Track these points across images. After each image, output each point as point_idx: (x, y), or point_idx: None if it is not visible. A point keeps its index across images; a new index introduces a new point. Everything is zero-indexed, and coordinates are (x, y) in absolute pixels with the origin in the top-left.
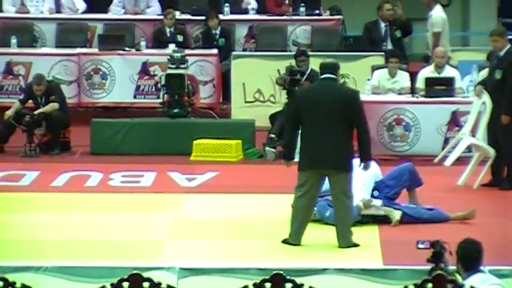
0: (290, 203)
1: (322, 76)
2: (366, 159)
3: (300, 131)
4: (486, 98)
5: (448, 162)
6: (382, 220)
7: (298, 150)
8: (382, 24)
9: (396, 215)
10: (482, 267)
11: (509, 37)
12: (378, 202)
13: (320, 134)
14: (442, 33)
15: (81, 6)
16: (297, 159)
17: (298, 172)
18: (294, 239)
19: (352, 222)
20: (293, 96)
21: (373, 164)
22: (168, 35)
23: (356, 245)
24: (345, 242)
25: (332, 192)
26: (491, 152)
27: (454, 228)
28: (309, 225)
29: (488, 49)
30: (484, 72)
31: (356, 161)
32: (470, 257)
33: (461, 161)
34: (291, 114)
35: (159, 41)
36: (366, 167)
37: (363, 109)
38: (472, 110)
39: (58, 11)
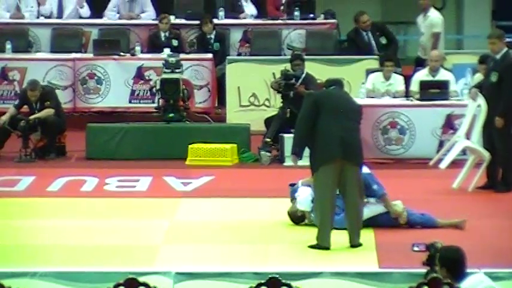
0: (286, 209)
1: (331, 88)
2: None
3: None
4: (481, 101)
5: (443, 165)
6: (379, 221)
7: (306, 153)
8: (364, 33)
9: (398, 208)
10: (475, 270)
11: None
12: (378, 207)
13: (340, 126)
14: (441, 33)
15: (85, 13)
16: (302, 162)
17: (316, 172)
18: (327, 242)
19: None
20: (310, 97)
21: (365, 169)
22: (163, 39)
23: (360, 244)
24: (358, 240)
25: (347, 188)
26: (486, 155)
27: (449, 232)
28: (303, 229)
29: (482, 52)
30: (478, 76)
31: None
32: (455, 264)
33: (456, 164)
34: (306, 111)
35: (154, 45)
36: None
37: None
38: (467, 113)
39: (59, 16)
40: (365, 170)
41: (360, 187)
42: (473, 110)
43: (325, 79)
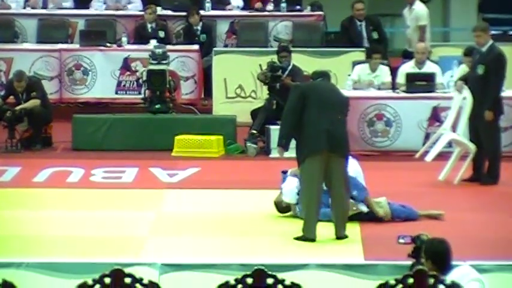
0: (272, 199)
1: (318, 80)
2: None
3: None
4: (467, 93)
5: (429, 157)
6: (363, 217)
7: (293, 145)
8: (358, 23)
9: (380, 211)
10: (461, 262)
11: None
12: (362, 207)
13: (327, 119)
14: (427, 26)
15: (67, 3)
16: (289, 154)
17: (302, 164)
18: (313, 233)
19: None
20: (297, 88)
21: (355, 162)
22: (150, 30)
23: (346, 236)
24: (343, 232)
25: (333, 181)
26: (472, 147)
27: (434, 224)
28: (289, 221)
29: (469, 45)
30: (463, 68)
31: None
32: (440, 256)
33: (442, 156)
34: (292, 103)
35: (140, 36)
36: None
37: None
38: (452, 106)
39: (44, 7)
40: (351, 170)
41: (346, 179)
42: (459, 102)
43: (312, 71)
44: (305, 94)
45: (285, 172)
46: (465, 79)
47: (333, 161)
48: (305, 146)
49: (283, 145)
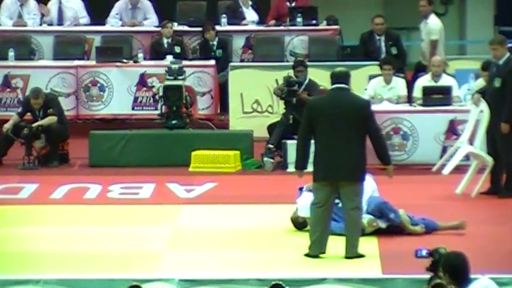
0: (289, 215)
1: (333, 86)
2: (387, 163)
3: (312, 141)
4: (484, 106)
5: (446, 170)
6: (382, 232)
7: (311, 159)
8: (377, 37)
9: (417, 228)
10: (479, 276)
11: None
12: (381, 223)
13: (334, 144)
14: (438, 41)
15: (84, 19)
16: (310, 168)
17: (313, 183)
18: (314, 251)
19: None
20: (306, 106)
21: (371, 179)
22: (166, 46)
23: (362, 256)
24: (353, 252)
25: (343, 203)
26: (489, 160)
27: (452, 238)
28: (306, 236)
29: (485, 57)
30: (481, 81)
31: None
32: (458, 269)
33: (459, 169)
34: (303, 124)
35: (156, 52)
36: (389, 171)
37: (375, 117)
38: (470, 119)
39: (60, 23)
40: (369, 186)
41: (358, 200)
42: (476, 115)
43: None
44: (313, 111)
45: (301, 189)
46: (482, 92)
47: (342, 185)
48: (315, 168)
49: (300, 168)
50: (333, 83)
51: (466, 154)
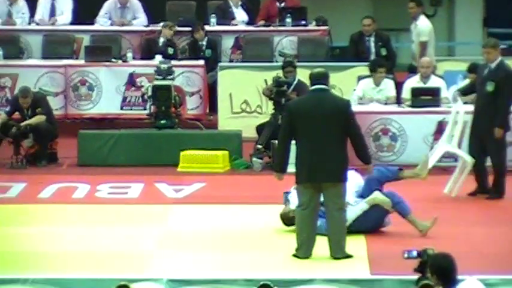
0: (279, 213)
1: (313, 87)
2: (367, 163)
3: (293, 143)
4: (459, 106)
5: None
6: (369, 231)
7: (293, 161)
8: (367, 38)
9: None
10: (467, 277)
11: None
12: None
13: (315, 146)
14: (428, 42)
15: (66, 19)
16: (291, 169)
17: (297, 185)
18: (302, 252)
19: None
20: (285, 109)
21: (356, 174)
22: (161, 45)
23: (349, 256)
24: (340, 252)
25: (326, 204)
26: (468, 159)
27: (440, 239)
28: (295, 236)
29: (474, 59)
30: (466, 82)
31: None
32: (445, 271)
33: (446, 170)
34: (283, 127)
35: (150, 51)
36: (369, 170)
37: (355, 117)
38: (450, 118)
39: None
40: (353, 184)
41: (342, 201)
42: (455, 115)
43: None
44: (293, 116)
45: (287, 193)
46: (463, 90)
47: (325, 187)
48: (299, 170)
49: (279, 171)
50: (312, 84)
51: (444, 153)
